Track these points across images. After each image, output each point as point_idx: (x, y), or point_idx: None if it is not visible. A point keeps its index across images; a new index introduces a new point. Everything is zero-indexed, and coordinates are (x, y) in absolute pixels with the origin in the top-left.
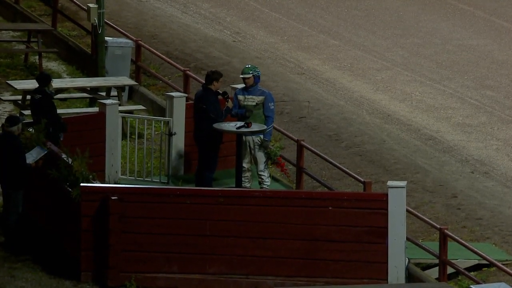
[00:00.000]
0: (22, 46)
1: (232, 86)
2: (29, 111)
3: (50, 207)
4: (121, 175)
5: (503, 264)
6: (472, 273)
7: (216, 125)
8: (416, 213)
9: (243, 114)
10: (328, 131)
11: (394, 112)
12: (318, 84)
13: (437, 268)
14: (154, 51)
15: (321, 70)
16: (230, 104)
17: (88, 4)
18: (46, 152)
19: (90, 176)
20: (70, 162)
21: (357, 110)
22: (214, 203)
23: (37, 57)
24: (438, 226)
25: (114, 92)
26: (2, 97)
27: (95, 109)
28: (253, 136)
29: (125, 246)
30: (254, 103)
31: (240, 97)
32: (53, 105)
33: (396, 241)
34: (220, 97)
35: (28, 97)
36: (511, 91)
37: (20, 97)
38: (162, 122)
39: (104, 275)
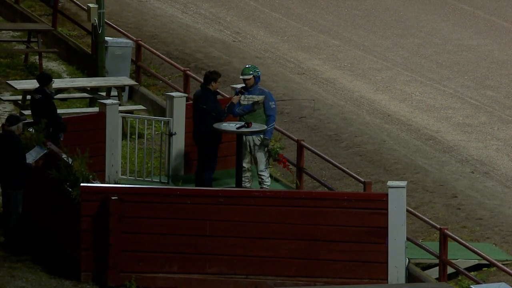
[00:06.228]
0: (22, 46)
1: (232, 86)
2: (29, 111)
3: (50, 207)
4: (121, 175)
5: (503, 264)
6: (472, 273)
7: (216, 125)
8: (416, 213)
9: (250, 108)
10: (328, 131)
11: (394, 112)
12: (318, 84)
13: (437, 268)
14: (154, 51)
15: (321, 70)
16: (235, 99)
17: (88, 4)
18: (46, 152)
19: (90, 176)
20: (70, 162)
21: (357, 110)
22: (214, 203)
23: (37, 57)
24: (438, 226)
25: (114, 92)
26: (2, 97)
27: (95, 109)
28: (253, 136)
29: (125, 246)
30: None
31: (241, 96)
32: (53, 105)
33: (396, 241)
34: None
35: (28, 97)
36: (511, 91)
37: (20, 97)
38: (162, 122)
39: (104, 275)
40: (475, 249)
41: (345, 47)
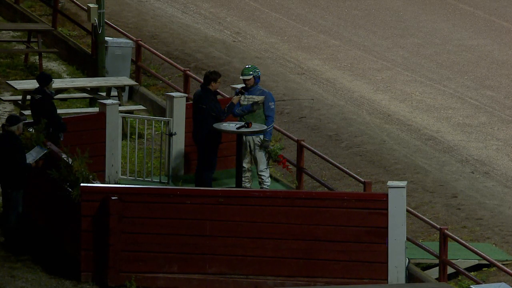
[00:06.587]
0: (22, 46)
1: (232, 86)
2: (29, 111)
3: (50, 207)
4: (121, 175)
5: (503, 264)
6: (472, 273)
7: (216, 125)
8: (416, 213)
9: (250, 108)
10: (328, 131)
11: (394, 112)
12: (318, 84)
13: (437, 268)
14: (154, 51)
15: (321, 70)
16: (235, 100)
17: (88, 4)
18: (46, 152)
19: (90, 176)
20: (70, 162)
21: (357, 110)
22: (214, 203)
23: (37, 57)
24: (438, 226)
25: (114, 92)
26: (2, 97)
27: (95, 109)
28: (253, 136)
29: (125, 246)
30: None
31: (241, 96)
32: (53, 105)
33: (396, 241)
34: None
35: (28, 97)
36: (511, 91)
37: (20, 97)
38: (162, 122)
39: (104, 275)
40: (475, 249)
41: (345, 47)
